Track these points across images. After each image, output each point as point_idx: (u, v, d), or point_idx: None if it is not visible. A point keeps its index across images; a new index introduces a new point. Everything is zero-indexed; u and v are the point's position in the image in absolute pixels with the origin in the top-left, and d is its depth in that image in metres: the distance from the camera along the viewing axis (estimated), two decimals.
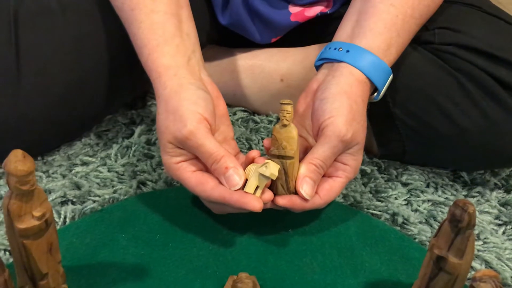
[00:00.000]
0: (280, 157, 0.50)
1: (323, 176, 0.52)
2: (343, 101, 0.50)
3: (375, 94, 0.55)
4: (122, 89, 0.65)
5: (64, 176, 0.61)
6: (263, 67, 0.72)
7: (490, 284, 0.35)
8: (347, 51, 0.54)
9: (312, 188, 0.49)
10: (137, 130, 0.68)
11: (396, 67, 0.58)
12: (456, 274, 0.44)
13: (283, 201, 0.50)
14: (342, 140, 0.49)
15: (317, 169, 0.50)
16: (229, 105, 0.74)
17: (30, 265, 0.44)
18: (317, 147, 0.50)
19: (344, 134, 0.49)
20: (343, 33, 0.57)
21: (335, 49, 0.55)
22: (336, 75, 0.53)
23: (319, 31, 0.72)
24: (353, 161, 0.51)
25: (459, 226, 0.42)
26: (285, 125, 0.50)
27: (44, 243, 0.43)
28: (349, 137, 0.49)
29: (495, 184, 0.65)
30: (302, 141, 0.54)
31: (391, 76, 0.55)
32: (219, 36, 0.74)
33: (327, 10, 0.69)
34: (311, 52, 0.72)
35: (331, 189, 0.51)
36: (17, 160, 0.39)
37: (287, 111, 0.49)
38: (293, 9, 0.68)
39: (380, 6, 0.55)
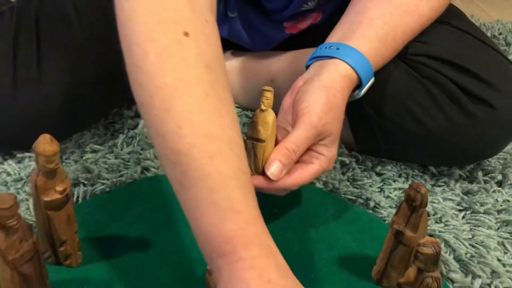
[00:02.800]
0: (253, 139, 0.53)
1: (298, 162, 0.55)
2: (322, 93, 0.54)
3: (357, 91, 0.60)
4: (128, 84, 0.73)
5: (76, 162, 0.69)
6: (255, 68, 0.79)
7: (431, 248, 0.42)
8: (338, 48, 0.58)
9: (279, 170, 0.52)
10: (141, 122, 0.76)
11: (374, 75, 0.66)
12: (412, 246, 0.52)
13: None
14: (315, 126, 0.53)
15: (288, 153, 0.53)
16: None
17: (51, 233, 0.52)
18: (291, 133, 0.53)
19: (317, 122, 0.53)
20: (334, 37, 0.61)
21: (326, 48, 0.59)
22: (321, 72, 0.57)
23: (309, 39, 0.79)
24: (327, 151, 0.55)
25: (413, 205, 0.50)
26: (262, 110, 0.53)
27: (64, 214, 0.51)
28: (322, 125, 0.53)
29: (460, 175, 0.73)
30: (283, 133, 0.57)
31: (372, 79, 0.61)
32: None
33: (317, 21, 0.77)
34: (299, 55, 0.79)
35: (303, 172, 0.54)
36: (45, 142, 0.47)
37: (266, 97, 0.52)
38: (287, 24, 0.75)
39: (375, 21, 0.60)
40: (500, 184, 0.73)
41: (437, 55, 0.67)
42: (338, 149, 0.73)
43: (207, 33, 0.47)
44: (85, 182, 0.66)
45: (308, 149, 0.55)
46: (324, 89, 0.55)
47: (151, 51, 0.44)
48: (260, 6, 0.73)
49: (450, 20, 0.70)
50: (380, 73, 0.66)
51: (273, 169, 0.52)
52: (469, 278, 0.58)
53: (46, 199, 0.49)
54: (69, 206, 0.51)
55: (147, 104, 0.44)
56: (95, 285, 0.53)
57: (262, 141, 0.53)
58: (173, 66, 0.44)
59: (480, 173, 0.73)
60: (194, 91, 0.43)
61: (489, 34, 1.14)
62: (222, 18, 0.75)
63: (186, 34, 0.44)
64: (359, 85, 0.60)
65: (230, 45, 0.81)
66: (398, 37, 0.61)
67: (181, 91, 0.43)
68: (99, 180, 0.66)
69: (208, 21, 0.47)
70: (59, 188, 0.49)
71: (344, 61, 0.57)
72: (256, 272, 0.39)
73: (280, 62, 0.79)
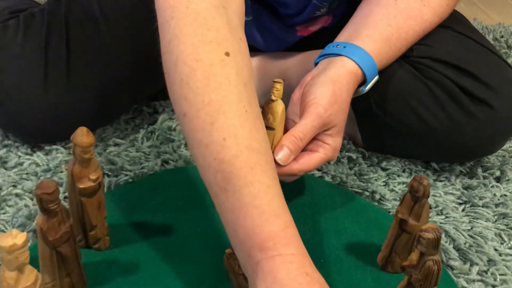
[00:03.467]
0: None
1: (305, 150, 0.60)
2: (328, 86, 0.58)
3: (362, 87, 0.64)
4: (149, 83, 0.78)
5: (100, 154, 0.74)
6: (267, 68, 0.84)
7: (432, 233, 0.47)
8: (344, 47, 0.62)
9: (287, 155, 0.56)
10: (160, 118, 0.81)
11: (380, 74, 0.70)
12: (414, 233, 0.56)
13: None
14: (321, 117, 0.57)
15: (295, 140, 0.56)
16: None
17: (83, 218, 0.56)
18: (299, 122, 0.57)
19: (323, 112, 0.57)
20: (341, 37, 0.66)
21: (334, 46, 0.63)
22: (329, 67, 0.61)
23: (319, 41, 0.83)
24: (331, 141, 0.60)
25: (416, 195, 0.54)
26: (273, 100, 0.57)
27: (95, 201, 0.56)
28: (328, 116, 0.57)
29: (460, 171, 0.77)
30: (292, 124, 0.61)
31: (376, 77, 0.65)
32: None
33: (327, 24, 0.81)
34: (310, 56, 0.83)
35: (309, 159, 0.58)
36: (83, 134, 0.51)
37: (276, 88, 0.56)
38: (299, 27, 0.79)
39: (380, 23, 0.64)
40: (498, 179, 0.77)
41: (440, 58, 0.71)
42: (346, 146, 0.78)
43: (243, 52, 0.52)
44: (109, 174, 0.70)
45: (314, 138, 0.59)
46: (331, 82, 0.59)
47: (198, 70, 0.49)
48: (274, 11, 0.78)
49: (453, 25, 0.74)
50: (386, 74, 0.70)
51: (281, 155, 0.56)
52: (467, 266, 0.62)
53: (81, 186, 0.54)
54: (100, 194, 0.56)
55: (192, 116, 0.49)
56: (122, 267, 0.58)
57: (271, 128, 0.57)
58: (217, 85, 0.49)
59: (479, 169, 0.77)
60: (235, 108, 0.49)
61: (491, 37, 1.18)
62: None
63: (227, 54, 0.50)
64: (364, 82, 0.64)
65: None
66: (402, 38, 0.66)
67: (224, 107, 0.48)
68: (122, 172, 0.70)
69: (241, 39, 0.53)
70: (93, 176, 0.54)
71: (350, 58, 0.61)
72: (295, 265, 0.45)
73: (291, 63, 0.83)
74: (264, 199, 0.47)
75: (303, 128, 0.57)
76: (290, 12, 0.76)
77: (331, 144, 0.60)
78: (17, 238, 0.40)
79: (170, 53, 0.51)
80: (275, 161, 0.56)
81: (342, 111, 0.60)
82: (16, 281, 0.42)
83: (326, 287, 0.45)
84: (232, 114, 0.48)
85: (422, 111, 0.71)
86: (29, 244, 0.42)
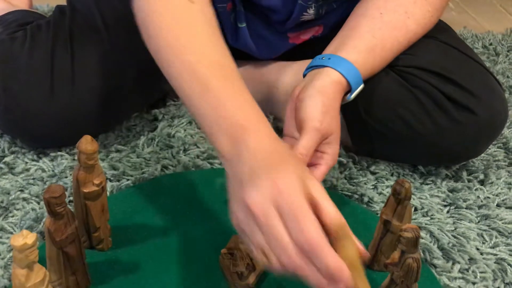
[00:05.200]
0: None
1: (309, 165, 0.63)
2: (317, 99, 0.61)
3: (348, 95, 0.68)
4: (149, 91, 0.82)
5: (103, 160, 0.77)
6: (263, 78, 0.88)
7: (411, 233, 0.50)
8: (329, 58, 0.66)
9: None
10: (160, 125, 0.85)
11: (368, 83, 0.74)
12: (398, 233, 0.60)
13: None
14: (318, 130, 0.60)
15: (301, 157, 0.59)
16: None
17: (88, 221, 0.60)
18: (300, 140, 0.60)
19: (319, 126, 0.60)
20: (328, 49, 0.70)
21: (320, 58, 0.67)
22: (315, 79, 0.64)
23: (311, 50, 0.87)
24: (331, 149, 0.63)
25: (399, 197, 0.58)
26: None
27: (99, 204, 0.60)
28: (324, 128, 0.60)
29: (446, 175, 0.81)
30: (292, 141, 0.63)
31: (362, 85, 0.68)
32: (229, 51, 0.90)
33: (318, 34, 0.85)
34: (304, 65, 0.86)
35: (315, 175, 0.60)
36: (87, 142, 0.55)
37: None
38: (291, 34, 0.84)
39: (365, 35, 0.69)
40: (482, 183, 0.81)
41: (425, 67, 0.75)
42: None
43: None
44: (111, 178, 0.74)
45: (315, 150, 0.62)
46: (319, 94, 0.63)
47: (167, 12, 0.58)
48: (265, 17, 0.82)
49: (437, 34, 0.78)
50: (374, 82, 0.74)
51: None
52: (449, 264, 0.66)
53: (85, 190, 0.57)
54: (103, 197, 0.60)
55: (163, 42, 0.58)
56: (124, 266, 0.62)
57: None
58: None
59: (464, 173, 0.81)
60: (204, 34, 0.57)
61: (480, 44, 1.22)
62: (232, 28, 0.84)
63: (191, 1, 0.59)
64: (349, 90, 0.67)
65: (239, 54, 0.90)
66: (387, 48, 0.70)
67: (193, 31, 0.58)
68: (123, 177, 0.74)
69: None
70: (96, 181, 0.58)
71: (335, 69, 0.65)
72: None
73: (285, 72, 0.87)
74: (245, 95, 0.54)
75: (305, 144, 0.60)
76: (279, 17, 0.79)
77: (330, 153, 0.63)
78: (28, 238, 0.44)
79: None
80: None
81: (335, 119, 0.63)
82: (27, 278, 0.46)
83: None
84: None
85: (409, 117, 0.75)
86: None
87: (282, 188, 0.46)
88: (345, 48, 0.67)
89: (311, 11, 0.79)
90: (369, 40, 0.69)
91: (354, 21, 0.71)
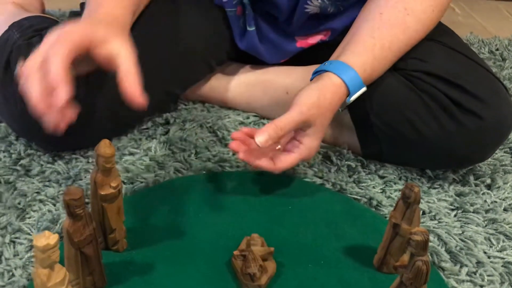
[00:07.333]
0: None
1: (284, 151, 0.69)
2: (314, 92, 0.68)
3: (347, 97, 0.71)
4: (161, 95, 0.83)
5: (116, 162, 0.79)
6: (272, 82, 0.89)
7: (421, 236, 0.52)
8: (330, 63, 0.72)
9: (265, 139, 0.64)
10: (172, 129, 0.86)
11: (376, 87, 0.76)
12: (407, 236, 0.61)
13: (241, 154, 0.68)
14: (302, 113, 0.65)
15: (276, 128, 0.65)
16: (243, 111, 0.92)
17: (104, 222, 0.62)
18: (283, 115, 0.66)
19: (305, 111, 0.65)
20: (333, 55, 0.75)
21: (323, 64, 0.72)
22: (316, 81, 0.70)
23: (319, 55, 0.89)
24: (308, 141, 0.68)
25: (408, 201, 0.59)
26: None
27: (115, 206, 0.61)
28: (309, 115, 0.66)
29: (453, 179, 0.82)
30: (295, 143, 0.71)
31: (363, 88, 0.72)
32: (237, 55, 0.92)
33: (326, 39, 0.87)
34: (311, 70, 0.88)
35: (284, 160, 0.68)
36: (106, 146, 0.57)
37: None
38: (299, 38, 0.85)
39: (363, 37, 0.73)
40: (489, 187, 0.82)
41: (432, 72, 0.76)
42: (346, 155, 0.83)
43: None
44: (125, 181, 0.76)
45: (293, 138, 0.68)
46: (316, 90, 0.69)
47: None
48: (273, 19, 0.84)
49: (443, 39, 0.80)
50: (383, 86, 0.76)
51: (260, 138, 0.65)
52: (457, 267, 0.67)
53: (102, 193, 0.59)
54: (119, 200, 0.61)
55: None
56: (138, 267, 0.63)
57: None
58: None
59: (471, 177, 0.82)
60: None
61: (486, 50, 1.23)
62: (241, 33, 0.86)
63: None
64: (349, 93, 0.71)
65: (248, 59, 0.91)
66: (386, 47, 0.73)
67: None
68: (137, 179, 0.76)
69: None
70: (113, 184, 0.59)
71: (334, 73, 0.70)
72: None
73: (294, 76, 0.89)
74: None
75: (285, 119, 0.66)
76: (283, 13, 0.81)
77: (307, 144, 0.68)
78: (50, 238, 0.45)
79: None
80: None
81: (323, 116, 0.68)
82: (48, 278, 0.47)
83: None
84: None
85: (416, 120, 0.76)
86: None
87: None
88: (345, 53, 0.72)
89: (316, 2, 0.80)
90: (367, 42, 0.72)
91: (356, 26, 0.76)
